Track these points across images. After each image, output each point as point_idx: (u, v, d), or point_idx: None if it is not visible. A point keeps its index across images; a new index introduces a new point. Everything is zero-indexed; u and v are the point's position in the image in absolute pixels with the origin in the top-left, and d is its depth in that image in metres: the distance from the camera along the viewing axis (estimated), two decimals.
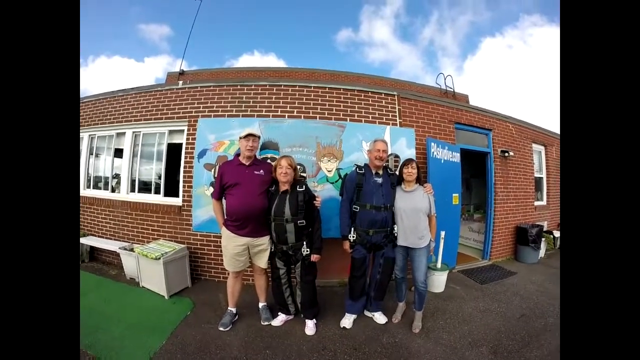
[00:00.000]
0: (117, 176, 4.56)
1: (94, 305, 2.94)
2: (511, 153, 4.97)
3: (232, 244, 2.59)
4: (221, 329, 2.63)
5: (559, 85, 1.22)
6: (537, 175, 5.90)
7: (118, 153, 4.54)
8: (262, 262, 2.69)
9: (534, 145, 5.78)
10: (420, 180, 2.76)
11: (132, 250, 3.62)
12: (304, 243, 2.56)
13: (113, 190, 4.54)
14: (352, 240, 2.68)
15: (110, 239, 4.29)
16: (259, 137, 2.72)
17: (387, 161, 3.70)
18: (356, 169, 2.76)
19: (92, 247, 4.32)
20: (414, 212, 2.63)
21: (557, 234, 5.73)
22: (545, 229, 5.43)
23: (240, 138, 2.62)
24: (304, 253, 2.56)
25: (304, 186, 2.58)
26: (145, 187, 4.39)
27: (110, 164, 4.57)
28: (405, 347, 2.46)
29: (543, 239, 5.13)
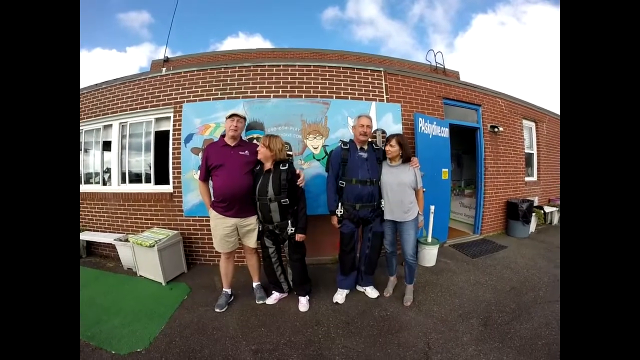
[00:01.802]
0: (108, 170, 4.53)
1: (93, 298, 2.96)
2: (501, 128, 4.97)
3: (220, 225, 2.61)
4: (217, 310, 2.67)
5: (559, 60, 1.20)
6: (527, 151, 5.92)
7: (106, 146, 4.48)
8: (252, 241, 2.71)
9: (524, 121, 5.78)
10: (409, 158, 2.70)
11: (127, 240, 3.62)
12: (289, 222, 2.57)
13: (104, 184, 4.52)
14: (339, 215, 2.69)
15: (105, 231, 4.28)
16: (244, 118, 2.70)
17: (375, 137, 3.72)
18: (341, 144, 2.76)
19: (88, 242, 4.31)
20: (399, 187, 2.63)
21: (547, 209, 5.82)
22: (535, 204, 5.50)
23: (226, 118, 2.62)
24: (290, 232, 2.58)
25: (287, 165, 2.56)
26: (136, 178, 4.37)
27: (100, 157, 4.51)
28: (397, 320, 2.52)
29: (533, 214, 5.20)
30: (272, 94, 3.72)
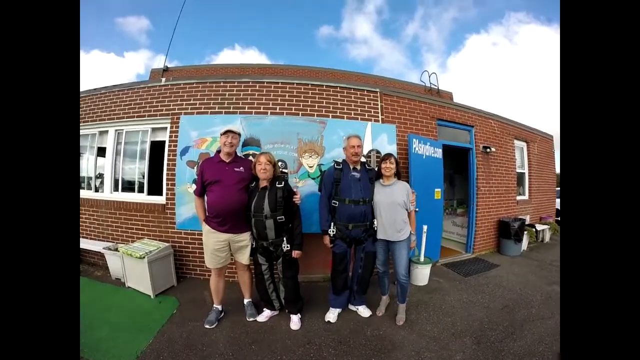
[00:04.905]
0: (100, 176, 4.49)
1: (80, 307, 2.90)
2: (493, 149, 5.09)
3: (212, 240, 2.60)
4: (207, 326, 2.63)
5: (559, 77, 1.23)
6: (519, 170, 6.05)
7: (101, 152, 4.46)
8: (244, 258, 2.70)
9: (516, 141, 5.93)
10: (400, 175, 2.80)
11: (116, 250, 3.57)
12: (284, 239, 2.57)
13: (96, 190, 4.47)
14: (332, 235, 2.70)
15: (95, 239, 4.21)
16: (238, 134, 2.71)
17: (369, 156, 3.77)
18: (334, 164, 2.80)
19: None
20: (391, 206, 2.66)
21: (539, 227, 5.90)
22: (527, 223, 5.59)
23: (220, 134, 2.63)
24: (285, 249, 2.57)
25: (283, 182, 2.59)
26: (129, 186, 4.33)
27: (94, 163, 4.48)
28: (389, 339, 2.50)
29: (525, 232, 5.27)
30: (269, 111, 3.76)
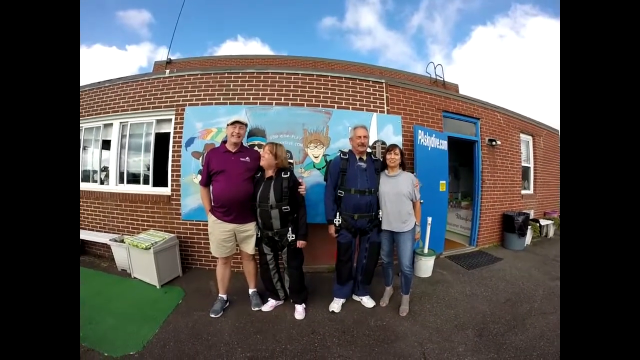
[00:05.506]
0: (105, 169, 4.51)
1: (86, 298, 2.91)
2: (498, 142, 5.05)
3: (218, 230, 2.62)
4: (212, 315, 2.66)
5: (559, 72, 1.22)
6: (524, 164, 6.00)
7: (106, 145, 4.47)
8: (249, 247, 2.71)
9: (521, 135, 5.87)
10: (405, 166, 2.79)
11: (122, 241, 3.60)
12: (289, 229, 2.58)
13: (102, 183, 4.50)
14: (337, 225, 2.71)
15: (101, 231, 4.26)
16: (245, 125, 2.72)
17: (375, 147, 3.76)
18: (340, 154, 2.80)
19: (82, 241, 4.26)
20: (397, 197, 2.66)
21: (543, 222, 5.87)
22: (531, 217, 5.55)
23: (227, 125, 2.63)
24: (290, 239, 2.59)
25: (288, 172, 2.60)
26: (134, 178, 4.36)
27: (99, 156, 4.50)
28: (393, 329, 2.52)
29: (529, 227, 5.25)
30: (274, 102, 3.75)
